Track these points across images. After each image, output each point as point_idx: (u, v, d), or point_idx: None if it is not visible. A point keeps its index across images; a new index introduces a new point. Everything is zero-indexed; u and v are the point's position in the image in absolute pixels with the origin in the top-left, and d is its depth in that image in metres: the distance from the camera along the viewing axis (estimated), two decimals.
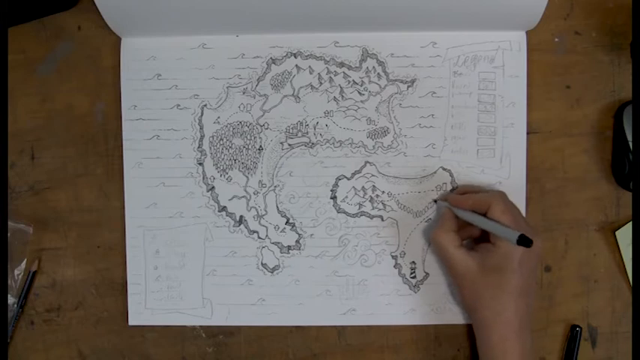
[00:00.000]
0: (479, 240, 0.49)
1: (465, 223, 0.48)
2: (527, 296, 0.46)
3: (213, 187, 0.52)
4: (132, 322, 0.52)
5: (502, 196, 0.47)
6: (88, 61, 0.53)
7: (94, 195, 0.53)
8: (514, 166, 0.51)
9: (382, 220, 0.52)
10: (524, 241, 0.41)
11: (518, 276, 0.45)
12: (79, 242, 0.53)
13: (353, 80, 0.52)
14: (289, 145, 0.52)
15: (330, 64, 0.52)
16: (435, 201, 0.51)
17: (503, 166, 0.51)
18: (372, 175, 0.51)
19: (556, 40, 0.52)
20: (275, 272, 0.52)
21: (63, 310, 0.53)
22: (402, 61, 0.51)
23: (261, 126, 0.52)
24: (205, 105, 0.52)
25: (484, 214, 0.46)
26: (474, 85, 0.51)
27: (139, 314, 0.52)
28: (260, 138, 0.52)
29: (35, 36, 0.53)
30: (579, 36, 0.52)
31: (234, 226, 0.52)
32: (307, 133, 0.52)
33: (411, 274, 0.51)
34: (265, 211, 0.52)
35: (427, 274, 0.51)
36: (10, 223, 0.51)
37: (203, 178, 0.52)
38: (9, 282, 0.52)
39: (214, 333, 0.52)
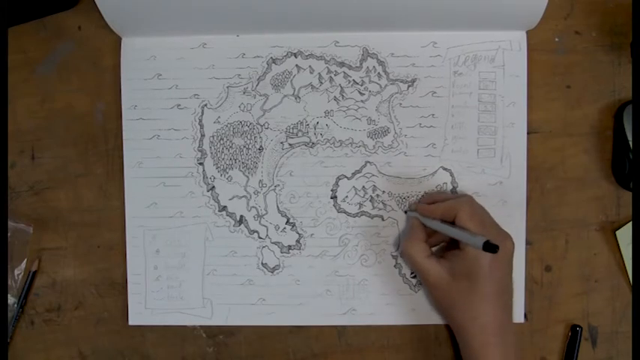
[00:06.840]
0: (450, 246, 0.49)
1: (434, 230, 0.48)
2: (503, 299, 0.45)
3: (213, 187, 0.52)
4: (132, 322, 0.52)
5: (469, 201, 0.47)
6: (88, 61, 0.53)
7: (94, 195, 0.53)
8: (514, 165, 0.51)
9: (382, 219, 0.51)
10: (489, 247, 0.41)
11: (490, 280, 0.44)
12: (79, 242, 0.53)
13: (353, 80, 0.52)
14: (289, 144, 0.52)
15: (331, 63, 0.52)
16: (406, 212, 0.51)
17: (503, 166, 0.51)
18: (373, 175, 0.51)
19: (556, 40, 0.52)
20: (275, 272, 0.52)
21: (63, 310, 0.53)
22: (402, 61, 0.51)
23: (262, 126, 0.52)
24: (205, 105, 0.52)
25: (452, 222, 0.46)
26: (475, 84, 0.51)
27: (139, 314, 0.52)
28: (260, 138, 0.52)
29: (35, 36, 0.53)
30: (579, 36, 0.52)
31: (234, 226, 0.52)
32: (307, 132, 0.52)
33: (412, 273, 0.51)
34: (265, 210, 0.52)
35: None
36: (10, 223, 0.51)
37: (203, 178, 0.52)
38: (9, 282, 0.52)
39: (214, 333, 0.52)
